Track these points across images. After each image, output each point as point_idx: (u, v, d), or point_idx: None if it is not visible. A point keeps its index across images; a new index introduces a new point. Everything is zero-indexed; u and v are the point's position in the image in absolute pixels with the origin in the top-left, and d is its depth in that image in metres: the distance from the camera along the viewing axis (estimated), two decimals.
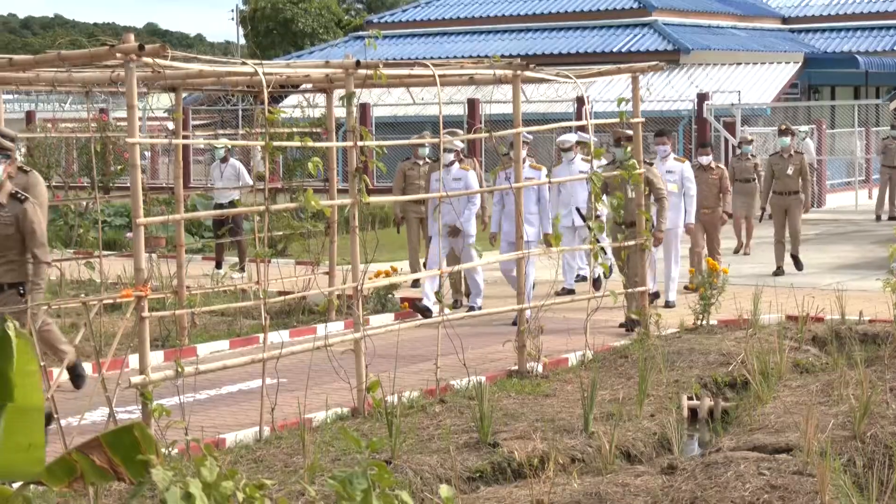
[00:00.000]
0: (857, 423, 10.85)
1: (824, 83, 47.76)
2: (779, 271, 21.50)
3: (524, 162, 16.37)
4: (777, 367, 13.32)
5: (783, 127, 23.02)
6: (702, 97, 35.20)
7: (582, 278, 19.97)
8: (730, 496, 8.99)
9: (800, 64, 43.12)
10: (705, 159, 20.81)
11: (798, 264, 21.68)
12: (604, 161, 16.86)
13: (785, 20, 52.11)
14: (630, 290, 15.84)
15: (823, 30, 50.47)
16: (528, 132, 16.32)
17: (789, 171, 21.82)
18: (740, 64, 42.07)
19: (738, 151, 25.50)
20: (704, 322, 16.21)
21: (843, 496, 8.67)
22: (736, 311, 16.19)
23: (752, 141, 25.77)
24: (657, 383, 13.00)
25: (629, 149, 15.70)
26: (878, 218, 31.65)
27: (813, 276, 21.17)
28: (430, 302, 17.29)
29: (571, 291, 19.36)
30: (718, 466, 9.74)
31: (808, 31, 50.79)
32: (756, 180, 24.57)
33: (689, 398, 12.95)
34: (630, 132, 16.25)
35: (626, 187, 15.88)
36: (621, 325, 16.43)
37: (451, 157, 17.91)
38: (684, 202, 18.73)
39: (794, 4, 53.56)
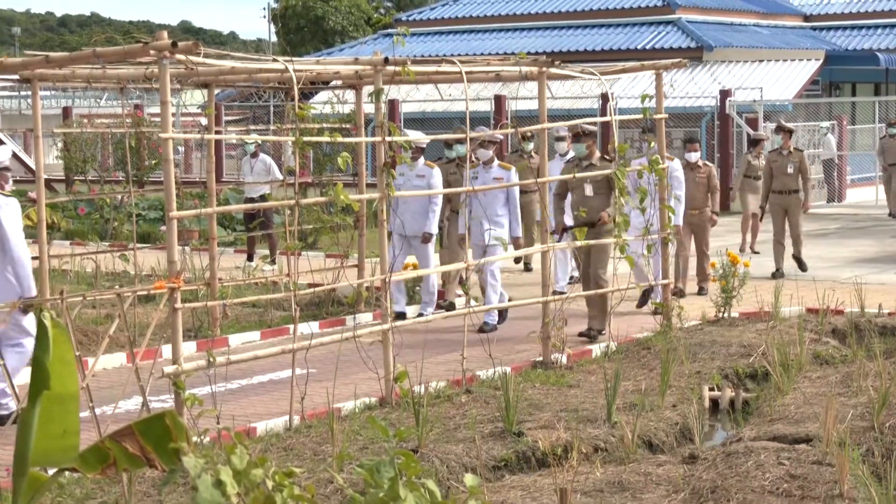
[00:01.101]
0: (875, 413, 10.82)
1: (845, 80, 47.57)
2: (778, 273, 20.31)
3: (493, 162, 16.36)
4: (797, 359, 13.29)
5: (777, 124, 22.30)
6: (724, 94, 35.11)
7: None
8: (750, 485, 8.97)
9: (821, 61, 42.97)
10: (693, 156, 19.11)
11: (801, 265, 20.67)
12: (570, 155, 17.17)
13: (806, 18, 51.96)
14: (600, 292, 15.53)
15: (844, 27, 50.30)
16: (553, 128, 16.22)
17: (789, 170, 20.76)
18: (762, 61, 41.94)
19: (751, 148, 24.05)
20: (726, 314, 16.17)
21: (862, 485, 8.66)
22: (757, 304, 16.16)
23: (767, 138, 24.38)
24: (679, 374, 12.99)
25: (585, 146, 15.45)
26: (892, 215, 31.23)
27: (833, 270, 21.10)
28: (400, 306, 16.56)
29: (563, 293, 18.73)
30: (739, 456, 9.72)
31: (829, 28, 50.63)
32: None
33: (711, 389, 12.93)
34: (593, 128, 15.75)
35: (584, 186, 15.33)
36: (580, 335, 15.27)
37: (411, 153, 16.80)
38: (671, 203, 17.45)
39: (815, 2, 53.40)
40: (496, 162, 16.68)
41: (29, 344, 11.52)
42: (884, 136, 32.12)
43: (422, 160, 16.79)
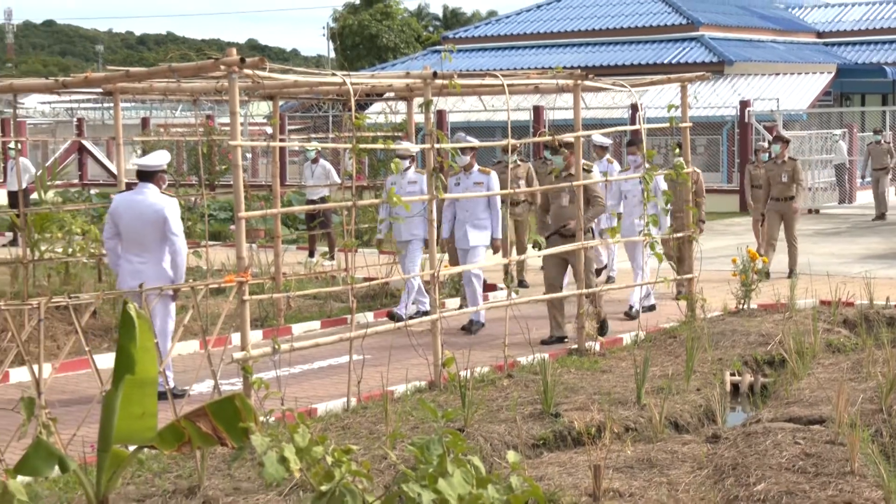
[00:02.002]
0: (884, 397, 10.74)
1: (855, 91, 47.28)
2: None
3: (472, 168, 15.67)
4: (811, 347, 13.21)
5: (775, 134, 21.52)
6: (744, 104, 34.96)
7: None
8: (768, 462, 8.92)
9: (833, 74, 42.70)
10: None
11: (792, 271, 19.44)
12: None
13: (819, 34, 51.66)
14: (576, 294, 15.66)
15: (854, 43, 49.99)
16: (587, 135, 16.09)
17: (783, 178, 19.80)
18: (779, 74, 41.69)
19: (754, 158, 22.16)
20: (746, 306, 16.09)
21: (871, 463, 8.60)
22: (774, 297, 16.08)
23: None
24: (702, 361, 12.92)
25: (561, 159, 14.71)
26: (880, 216, 30.73)
27: (844, 265, 20.96)
28: (403, 310, 15.88)
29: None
30: (758, 436, 9.68)
31: (840, 44, 50.33)
32: None
33: (732, 374, 12.86)
34: (570, 139, 14.58)
35: (562, 197, 14.66)
36: (543, 343, 14.34)
37: (407, 162, 16.07)
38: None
39: (827, 20, 53.12)
40: (476, 167, 15.78)
41: (170, 325, 11.79)
42: (871, 143, 31.90)
43: (412, 168, 16.23)
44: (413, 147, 15.78)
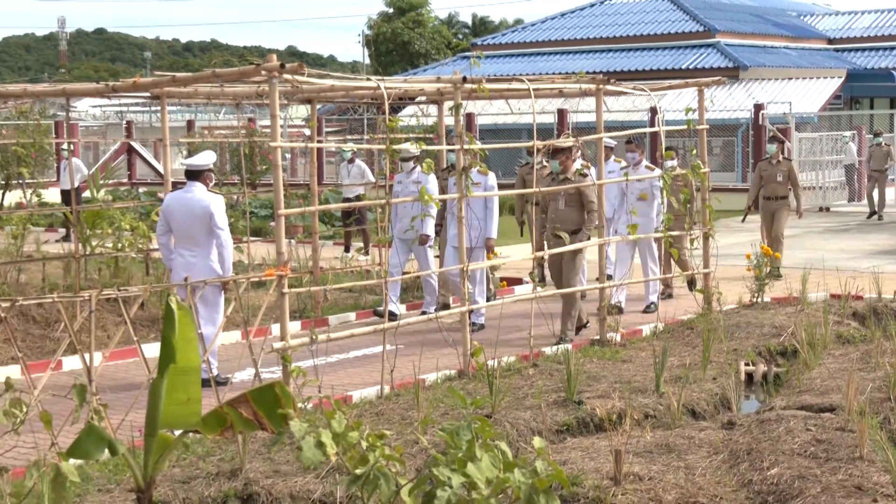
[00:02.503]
0: (891, 386, 10.68)
1: (864, 95, 47.06)
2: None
3: (472, 168, 14.73)
4: (822, 338, 13.14)
5: (771, 134, 20.87)
6: (758, 107, 34.85)
7: None
8: (781, 448, 8.88)
9: (843, 79, 42.54)
10: (669, 164, 16.72)
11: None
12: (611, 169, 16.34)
13: (830, 41, 51.42)
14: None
15: (864, 49, 49.75)
16: (610, 137, 16.00)
17: (778, 178, 19.26)
18: (791, 79, 41.53)
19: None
20: (759, 299, 16.03)
21: (880, 449, 8.54)
22: (787, 290, 16.01)
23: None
24: (718, 351, 12.87)
25: (559, 162, 14.28)
26: (876, 215, 30.31)
27: (853, 261, 20.85)
28: (395, 306, 15.27)
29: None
30: (771, 423, 9.64)
31: (850, 50, 50.10)
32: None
33: (746, 364, 12.81)
34: (568, 144, 14.36)
35: (558, 199, 14.22)
36: (573, 333, 14.13)
37: (412, 163, 15.79)
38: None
39: (838, 27, 52.86)
40: (473, 168, 15.17)
41: (219, 316, 11.83)
42: (872, 145, 31.63)
43: (418, 168, 15.64)
44: (412, 149, 15.14)
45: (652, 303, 16.16)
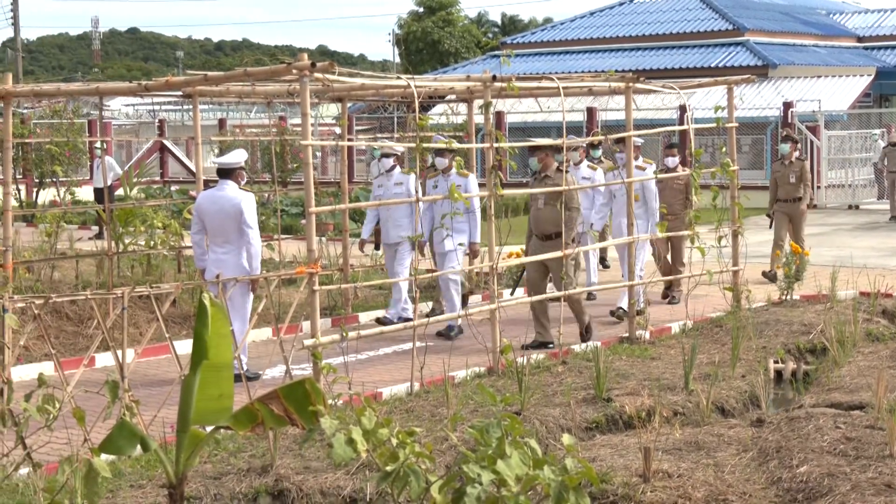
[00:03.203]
0: None
1: (893, 93, 46.81)
2: (770, 274, 18.14)
3: (451, 170, 14.55)
4: (851, 336, 13.07)
5: (784, 134, 20.25)
6: (787, 105, 34.70)
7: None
8: (810, 446, 8.83)
9: (872, 76, 42.30)
10: (671, 161, 16.55)
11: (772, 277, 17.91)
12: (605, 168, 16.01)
13: (859, 39, 51.10)
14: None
15: (893, 47, 49.40)
16: (639, 135, 15.93)
17: (791, 179, 18.50)
18: (820, 77, 41.30)
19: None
20: (789, 297, 15.96)
21: None
22: (816, 288, 15.94)
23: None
24: (747, 349, 12.81)
25: (538, 160, 13.73)
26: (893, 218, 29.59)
27: (882, 258, 20.75)
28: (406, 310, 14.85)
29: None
30: (800, 420, 9.59)
31: (879, 48, 49.76)
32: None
33: (775, 362, 12.75)
34: (545, 143, 13.83)
35: (538, 198, 13.72)
36: (524, 347, 12.89)
37: (391, 162, 15.25)
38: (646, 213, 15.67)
39: (867, 25, 52.53)
40: (454, 169, 14.61)
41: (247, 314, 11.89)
42: (886, 146, 31.27)
43: (397, 168, 15.22)
44: (398, 147, 15.00)
45: (621, 308, 15.20)
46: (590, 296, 16.35)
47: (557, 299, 13.45)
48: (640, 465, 8.28)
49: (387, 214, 15.04)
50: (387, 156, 15.28)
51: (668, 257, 16.78)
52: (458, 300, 14.59)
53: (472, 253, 14.85)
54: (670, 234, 15.53)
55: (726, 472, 8.46)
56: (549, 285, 13.90)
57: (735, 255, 15.79)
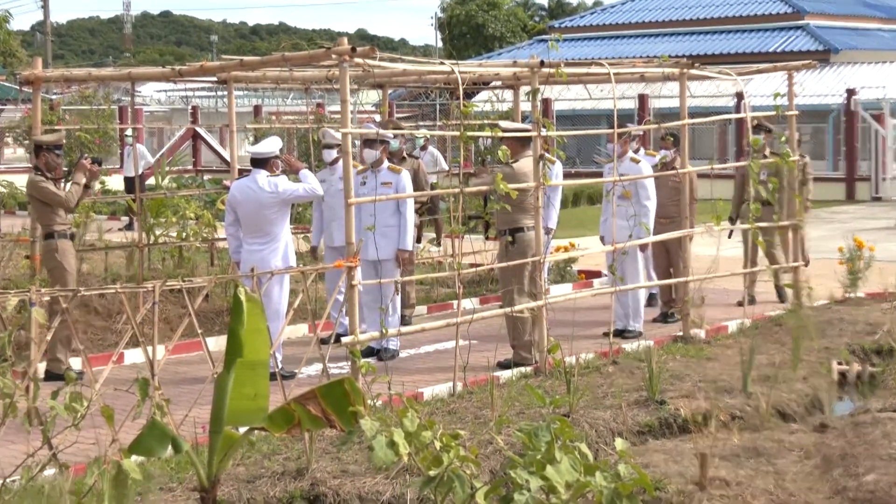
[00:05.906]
0: None
1: None
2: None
3: (382, 165, 13.37)
4: None
5: (755, 123, 18.77)
6: (850, 92, 34.46)
7: None
8: (877, 453, 8.72)
9: None
10: (666, 155, 15.25)
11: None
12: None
13: None
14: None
15: None
16: (694, 124, 15.73)
17: (762, 177, 16.39)
18: (885, 62, 40.94)
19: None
20: (852, 294, 15.81)
21: None
22: (882, 285, 15.77)
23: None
24: (809, 350, 12.68)
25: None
26: None
27: None
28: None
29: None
30: (866, 426, 9.48)
31: None
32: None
33: (839, 363, 12.61)
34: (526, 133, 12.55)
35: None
36: (499, 364, 12.00)
37: (334, 153, 13.83)
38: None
39: None
40: (385, 164, 13.42)
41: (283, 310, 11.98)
42: None
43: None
44: (337, 134, 13.23)
45: (632, 329, 14.25)
46: (651, 300, 15.83)
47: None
48: (695, 472, 8.20)
49: (331, 214, 13.82)
50: (329, 147, 14.03)
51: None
52: (397, 315, 13.26)
53: (402, 262, 13.29)
54: (663, 236, 14.46)
55: (787, 480, 8.37)
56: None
57: (796, 250, 15.63)
